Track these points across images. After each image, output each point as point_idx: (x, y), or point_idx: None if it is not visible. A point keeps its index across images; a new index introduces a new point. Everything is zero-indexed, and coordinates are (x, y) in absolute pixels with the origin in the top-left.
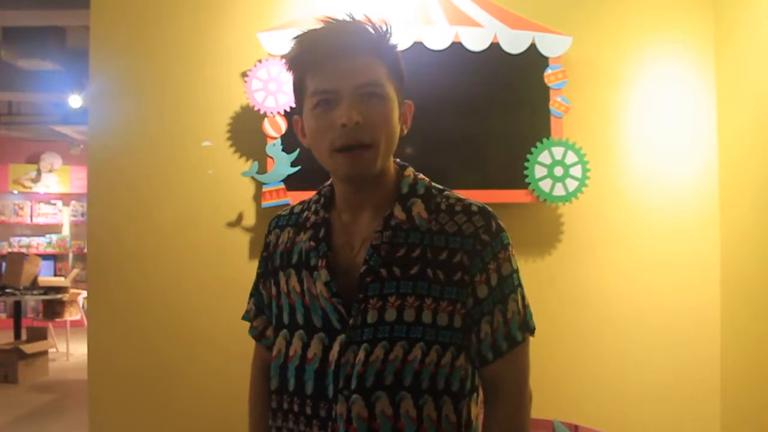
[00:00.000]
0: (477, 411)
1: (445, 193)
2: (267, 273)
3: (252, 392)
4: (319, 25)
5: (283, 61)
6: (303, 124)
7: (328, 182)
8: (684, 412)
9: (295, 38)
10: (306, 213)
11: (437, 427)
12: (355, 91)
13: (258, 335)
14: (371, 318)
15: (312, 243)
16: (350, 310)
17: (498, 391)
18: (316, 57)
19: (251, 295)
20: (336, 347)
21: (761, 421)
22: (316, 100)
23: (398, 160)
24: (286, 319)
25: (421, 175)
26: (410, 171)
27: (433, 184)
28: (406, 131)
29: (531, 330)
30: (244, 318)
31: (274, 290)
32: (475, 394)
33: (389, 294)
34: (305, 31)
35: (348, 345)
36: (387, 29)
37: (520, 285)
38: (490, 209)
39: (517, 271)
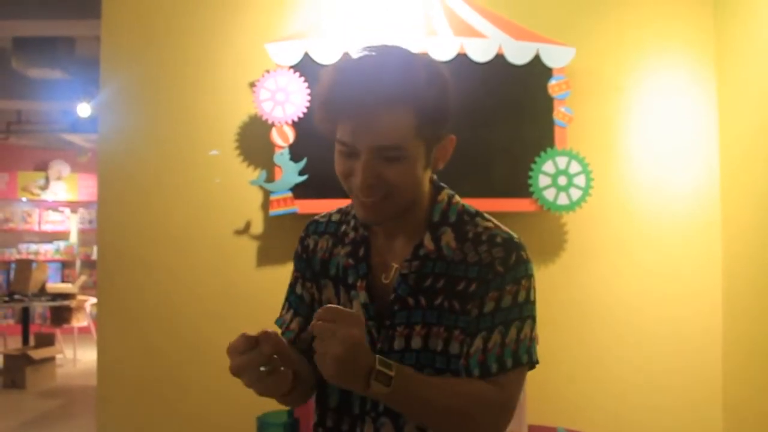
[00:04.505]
0: None
1: (476, 219)
2: (306, 273)
3: None
4: (355, 57)
5: (315, 94)
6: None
7: None
8: (686, 419)
9: (328, 71)
10: (344, 226)
11: None
12: (373, 151)
13: (293, 338)
14: (398, 345)
15: (350, 261)
16: (380, 334)
17: None
18: (343, 107)
19: (287, 298)
20: None
21: (763, 427)
22: (339, 148)
23: (435, 178)
24: None
25: (456, 198)
26: (444, 195)
27: (466, 208)
28: (441, 166)
29: (526, 362)
30: (277, 323)
31: (316, 295)
32: None
33: (415, 323)
34: (338, 65)
35: None
36: (427, 67)
37: (530, 317)
38: (518, 241)
39: (530, 303)
